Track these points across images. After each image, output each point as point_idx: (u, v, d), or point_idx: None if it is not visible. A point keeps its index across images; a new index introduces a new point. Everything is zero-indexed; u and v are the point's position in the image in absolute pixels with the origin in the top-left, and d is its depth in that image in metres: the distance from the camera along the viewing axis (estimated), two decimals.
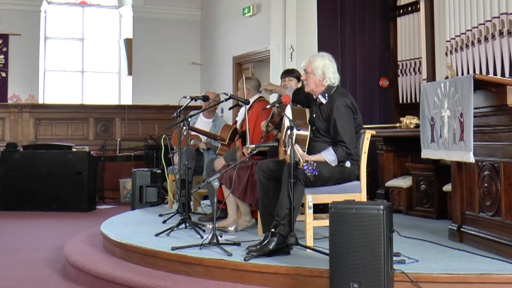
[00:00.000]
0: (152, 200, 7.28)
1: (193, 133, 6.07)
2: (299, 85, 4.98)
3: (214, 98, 6.11)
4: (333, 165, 4.15)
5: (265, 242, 3.93)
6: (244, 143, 5.11)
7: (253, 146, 4.58)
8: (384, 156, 6.34)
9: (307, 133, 4.21)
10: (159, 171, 7.59)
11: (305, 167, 3.66)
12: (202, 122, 6.30)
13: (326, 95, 4.26)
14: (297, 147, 3.96)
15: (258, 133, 5.12)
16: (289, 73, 5.24)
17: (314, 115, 4.32)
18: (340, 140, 4.13)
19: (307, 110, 4.47)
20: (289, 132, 3.98)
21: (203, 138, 6.16)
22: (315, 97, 4.36)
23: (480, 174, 4.00)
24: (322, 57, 4.33)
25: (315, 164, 3.68)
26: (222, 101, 5.33)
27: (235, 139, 5.50)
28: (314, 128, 4.27)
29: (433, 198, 5.61)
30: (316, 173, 3.69)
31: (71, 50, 11.35)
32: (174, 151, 6.27)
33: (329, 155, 4.14)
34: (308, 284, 3.55)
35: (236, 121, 5.98)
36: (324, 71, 4.25)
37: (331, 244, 3.22)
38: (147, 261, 4.27)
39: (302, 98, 4.56)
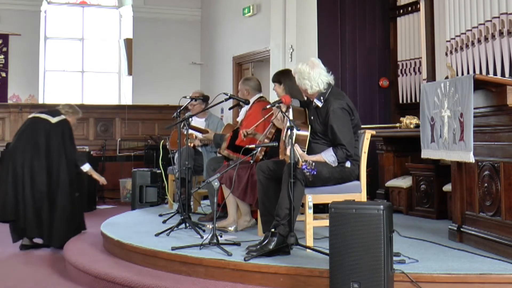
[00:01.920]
0: (152, 200, 7.28)
1: (190, 131, 6.06)
2: (282, 87, 4.93)
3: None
4: (333, 165, 4.15)
5: (265, 242, 3.93)
6: (234, 140, 5.12)
7: (253, 145, 4.58)
8: (384, 156, 6.34)
9: (307, 133, 4.21)
10: (159, 171, 7.59)
11: (304, 167, 3.67)
12: (195, 122, 6.27)
13: (321, 98, 4.25)
14: (297, 147, 3.96)
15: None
16: (273, 77, 5.15)
17: (312, 118, 4.32)
18: (339, 143, 4.14)
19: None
20: (289, 132, 3.98)
21: (199, 135, 6.15)
22: (311, 100, 4.37)
23: (480, 174, 4.00)
24: (301, 65, 4.29)
25: (313, 164, 3.69)
26: (222, 101, 5.33)
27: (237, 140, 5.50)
28: (312, 130, 4.27)
29: (433, 198, 5.60)
30: (315, 172, 3.70)
31: (71, 50, 11.36)
32: (174, 151, 6.27)
33: (329, 156, 4.15)
34: (308, 284, 3.55)
35: (237, 122, 5.98)
36: (304, 82, 4.24)
37: (331, 244, 3.22)
38: (147, 261, 4.27)
39: (305, 104, 4.53)
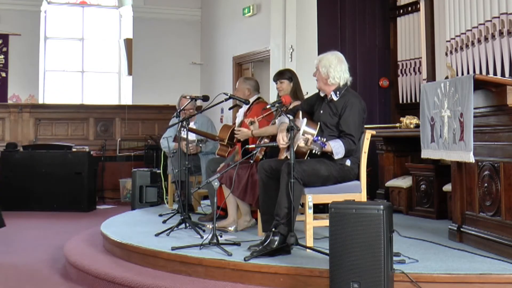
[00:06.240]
0: (152, 200, 7.28)
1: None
2: (291, 85, 5.03)
3: (179, 102, 6.23)
4: (335, 157, 4.10)
5: (267, 241, 3.93)
6: (244, 145, 5.13)
7: (253, 145, 4.58)
8: (384, 156, 6.34)
9: (314, 131, 4.18)
10: (159, 171, 7.59)
11: (316, 138, 3.79)
12: None
13: (338, 93, 4.29)
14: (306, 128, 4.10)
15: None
16: (280, 75, 5.18)
17: (322, 112, 4.34)
18: (349, 133, 4.15)
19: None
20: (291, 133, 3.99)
21: (192, 136, 6.13)
22: (322, 95, 4.38)
23: (480, 174, 4.00)
24: (331, 55, 4.35)
25: (325, 139, 3.83)
26: (222, 101, 5.33)
27: (235, 140, 5.49)
28: (321, 123, 4.27)
29: (433, 198, 5.61)
30: (325, 146, 3.84)
31: (71, 50, 11.35)
32: (174, 151, 6.27)
33: (337, 147, 4.10)
34: (308, 284, 3.55)
35: (234, 123, 5.96)
36: (329, 70, 4.27)
37: (331, 244, 3.22)
38: (147, 261, 4.27)
39: (307, 108, 4.53)
